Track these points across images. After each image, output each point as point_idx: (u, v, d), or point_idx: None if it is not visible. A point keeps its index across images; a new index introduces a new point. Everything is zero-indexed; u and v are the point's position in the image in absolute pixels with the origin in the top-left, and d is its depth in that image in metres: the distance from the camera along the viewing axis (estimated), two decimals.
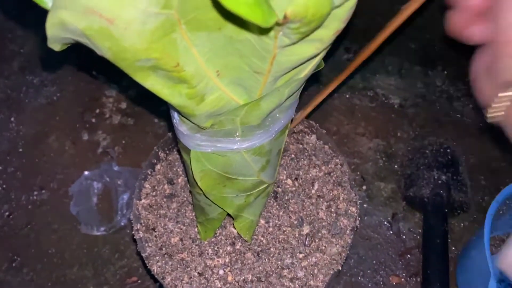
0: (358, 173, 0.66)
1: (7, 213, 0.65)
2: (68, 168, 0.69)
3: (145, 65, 0.21)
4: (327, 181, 0.47)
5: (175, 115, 0.30)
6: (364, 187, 0.65)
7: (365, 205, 0.63)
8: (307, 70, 0.26)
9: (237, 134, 0.29)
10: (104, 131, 0.72)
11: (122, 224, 0.63)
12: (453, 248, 0.60)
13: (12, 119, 0.75)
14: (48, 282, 0.60)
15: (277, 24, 0.17)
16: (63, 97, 0.77)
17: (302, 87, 0.30)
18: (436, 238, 0.57)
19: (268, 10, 0.16)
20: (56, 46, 0.21)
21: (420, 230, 0.61)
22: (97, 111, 0.75)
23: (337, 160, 0.48)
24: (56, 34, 0.19)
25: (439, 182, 0.60)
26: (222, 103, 0.26)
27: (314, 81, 0.76)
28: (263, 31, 0.20)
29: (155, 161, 0.48)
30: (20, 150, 0.71)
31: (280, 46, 0.21)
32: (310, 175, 0.47)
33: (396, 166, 0.67)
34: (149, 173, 0.48)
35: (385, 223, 0.62)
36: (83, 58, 0.80)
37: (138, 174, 0.66)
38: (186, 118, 0.28)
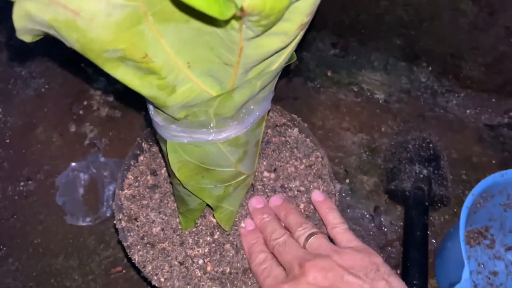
0: (342, 166, 0.67)
1: None
2: (55, 159, 0.70)
3: (113, 56, 0.22)
4: (307, 174, 0.48)
5: (150, 107, 0.31)
6: (347, 181, 0.66)
7: (347, 198, 0.64)
8: (277, 63, 0.27)
9: (212, 125, 0.29)
10: (92, 123, 0.73)
11: (108, 215, 0.64)
12: (433, 240, 0.61)
13: (0, 110, 0.75)
14: (34, 272, 0.60)
15: (236, 17, 0.18)
16: (51, 89, 0.77)
17: (276, 79, 0.30)
18: (417, 231, 0.58)
19: (224, 3, 0.16)
20: (26, 38, 0.21)
21: (401, 223, 0.62)
22: (85, 103, 0.75)
23: (318, 153, 0.49)
24: (24, 25, 0.19)
25: (421, 176, 0.61)
26: (194, 94, 0.26)
27: (300, 75, 0.77)
28: (225, 23, 0.20)
29: (138, 152, 0.49)
30: (7, 141, 0.72)
31: (246, 39, 0.22)
32: (291, 167, 0.48)
33: (379, 160, 0.68)
34: (132, 164, 0.48)
35: (367, 216, 0.63)
36: (71, 51, 0.80)
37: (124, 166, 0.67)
38: (159, 109, 0.28)
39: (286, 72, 0.75)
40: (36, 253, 0.62)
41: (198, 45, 0.23)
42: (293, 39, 0.24)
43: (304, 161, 0.48)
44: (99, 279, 0.60)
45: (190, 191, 0.37)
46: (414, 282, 0.55)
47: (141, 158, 0.49)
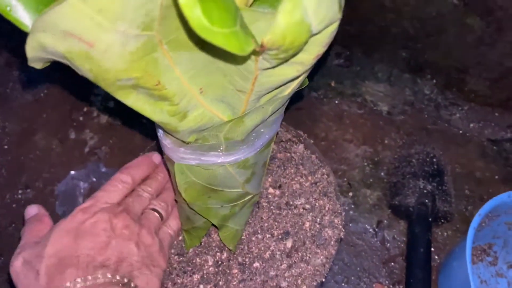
0: (345, 179, 0.67)
1: None
2: (55, 167, 0.69)
3: (126, 84, 0.21)
4: (313, 191, 0.47)
5: (159, 129, 0.30)
6: (350, 194, 0.65)
7: (351, 212, 0.64)
8: (290, 88, 0.26)
9: (221, 148, 0.29)
10: (92, 130, 0.72)
11: None
12: (436, 257, 0.61)
13: None
14: None
15: (255, 52, 0.17)
16: (51, 95, 0.76)
17: (287, 103, 0.30)
18: (420, 247, 0.58)
19: (245, 38, 0.16)
20: (37, 65, 0.20)
21: (404, 238, 0.62)
22: (85, 109, 0.74)
23: (324, 170, 0.48)
24: (37, 55, 0.18)
25: (425, 191, 0.60)
26: (205, 119, 0.26)
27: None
28: (243, 58, 0.20)
29: None
30: (6, 147, 0.71)
31: (261, 69, 0.21)
32: (296, 184, 0.47)
33: (382, 174, 0.67)
34: None
35: (370, 230, 0.63)
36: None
37: None
38: (168, 133, 0.28)
39: None
40: None
41: (211, 72, 0.23)
42: (309, 68, 0.23)
43: (309, 178, 0.47)
44: None
45: (195, 211, 0.36)
46: None
47: None
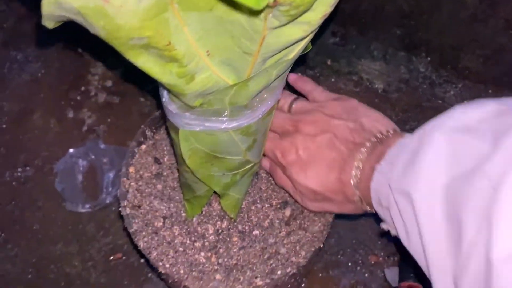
0: None
1: None
2: (53, 145, 0.69)
3: (137, 44, 0.22)
4: None
5: (165, 94, 0.31)
6: None
7: None
8: (295, 52, 0.27)
9: (226, 113, 0.30)
10: (90, 109, 0.72)
11: (108, 201, 0.64)
12: None
13: None
14: (33, 258, 0.60)
15: (268, 6, 0.18)
16: (48, 74, 0.76)
17: (290, 68, 0.31)
18: None
19: None
20: (50, 24, 0.21)
21: None
22: (82, 89, 0.74)
23: None
24: (52, 12, 0.19)
25: None
26: (211, 82, 0.27)
27: (300, 63, 0.77)
28: (254, 13, 0.20)
29: (142, 139, 0.49)
30: (4, 126, 0.71)
31: (270, 28, 0.22)
32: None
33: None
34: (136, 151, 0.48)
35: None
36: (68, 35, 0.79)
37: (124, 153, 0.67)
38: (175, 97, 0.28)
39: None
40: (35, 239, 0.62)
41: (219, 33, 0.23)
42: (315, 29, 0.24)
43: None
44: (98, 265, 0.60)
45: (198, 179, 0.37)
46: (412, 269, 0.56)
47: (144, 146, 0.49)
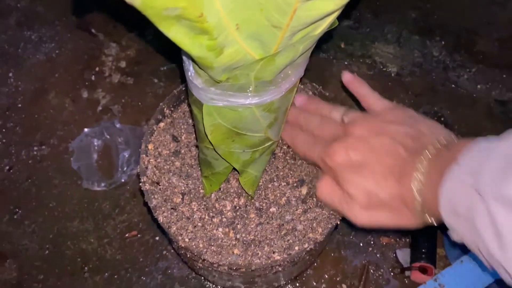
0: None
1: (7, 167, 0.66)
2: (68, 125, 0.70)
3: (170, 14, 0.22)
4: None
5: (191, 68, 0.31)
6: None
7: None
8: (322, 27, 0.27)
9: (250, 89, 0.30)
10: (104, 90, 0.73)
11: (123, 180, 0.64)
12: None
13: (11, 74, 0.75)
14: (50, 234, 0.61)
15: None
16: (62, 54, 0.77)
17: (315, 45, 0.31)
18: None
19: None
20: None
21: None
22: (97, 69, 0.75)
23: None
24: None
25: None
26: (239, 56, 0.27)
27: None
28: None
29: (161, 117, 0.49)
30: (19, 105, 0.72)
31: (302, 0, 0.22)
32: None
33: None
34: (155, 129, 0.49)
35: None
36: (81, 15, 0.79)
37: (138, 133, 0.67)
38: (203, 70, 0.29)
39: None
40: (52, 216, 0.63)
41: (250, 7, 0.24)
42: (346, 2, 0.24)
43: None
44: (114, 243, 0.61)
45: (219, 154, 0.38)
46: (423, 250, 0.56)
47: (162, 124, 0.49)
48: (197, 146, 0.48)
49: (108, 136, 0.67)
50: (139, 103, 0.71)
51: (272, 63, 0.28)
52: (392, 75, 0.74)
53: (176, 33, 0.24)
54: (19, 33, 0.79)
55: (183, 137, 0.49)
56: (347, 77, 0.47)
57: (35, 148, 0.68)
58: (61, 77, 0.74)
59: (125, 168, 0.65)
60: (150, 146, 0.47)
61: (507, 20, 0.65)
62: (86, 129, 0.68)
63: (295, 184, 0.46)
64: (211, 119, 0.33)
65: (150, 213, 0.45)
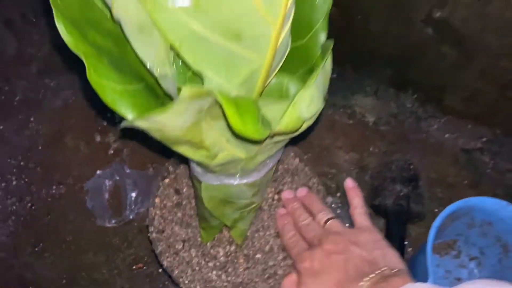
0: (334, 181, 0.78)
1: (29, 204, 0.75)
2: (83, 166, 0.79)
3: (180, 141, 0.31)
4: None
5: (192, 163, 0.40)
6: (338, 194, 0.76)
7: (338, 211, 0.75)
8: (292, 136, 0.36)
9: (238, 175, 0.39)
10: (115, 134, 0.82)
11: (131, 217, 0.74)
12: (410, 249, 0.72)
13: (32, 119, 0.84)
14: (67, 265, 0.70)
15: (269, 136, 0.28)
16: (78, 101, 0.86)
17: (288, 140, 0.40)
18: (395, 241, 0.69)
19: (263, 130, 0.26)
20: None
21: (383, 234, 0.73)
22: (108, 115, 0.84)
23: (314, 180, 0.59)
24: (126, 125, 0.28)
25: (401, 194, 0.71)
26: (228, 157, 0.36)
27: None
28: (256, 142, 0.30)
29: (166, 174, 0.59)
30: (40, 147, 0.81)
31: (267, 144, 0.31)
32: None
33: (367, 177, 0.78)
34: (161, 185, 0.58)
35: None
36: None
37: (145, 175, 0.77)
38: (201, 166, 0.38)
39: None
40: (68, 249, 0.72)
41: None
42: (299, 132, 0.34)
43: (303, 186, 0.58)
44: (123, 274, 0.70)
45: (213, 215, 0.47)
46: None
47: (167, 180, 0.59)
48: (196, 198, 0.57)
49: (118, 178, 0.77)
50: (146, 148, 0.81)
51: (253, 160, 0.37)
52: (370, 124, 0.83)
53: (183, 150, 0.33)
54: (39, 81, 0.88)
55: (184, 190, 0.58)
56: (349, 184, 0.59)
57: (54, 187, 0.77)
58: (77, 121, 0.84)
59: (132, 207, 0.74)
60: (157, 200, 0.57)
61: (468, 82, 0.75)
62: (98, 171, 0.78)
63: (277, 234, 0.55)
64: (208, 192, 0.42)
65: (151, 252, 0.54)
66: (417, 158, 0.78)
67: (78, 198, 0.76)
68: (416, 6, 0.67)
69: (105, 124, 0.83)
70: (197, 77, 0.29)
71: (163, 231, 0.55)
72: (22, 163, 0.79)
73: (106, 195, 0.76)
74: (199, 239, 0.55)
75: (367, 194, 0.76)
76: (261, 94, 0.32)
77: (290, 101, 0.30)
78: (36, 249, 0.72)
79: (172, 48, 0.27)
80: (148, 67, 0.28)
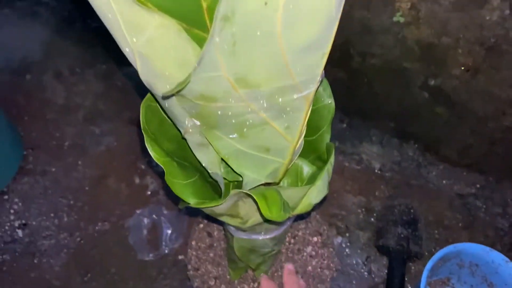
0: (344, 222, 0.88)
1: (78, 239, 0.88)
2: (124, 205, 0.91)
3: (223, 214, 0.43)
4: (317, 241, 0.68)
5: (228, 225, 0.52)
6: (347, 234, 0.87)
7: (347, 250, 0.85)
8: None
9: (262, 233, 0.50)
10: (152, 177, 0.94)
11: (166, 252, 0.85)
12: (409, 286, 0.82)
13: (79, 162, 0.97)
14: None
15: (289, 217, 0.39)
16: (119, 146, 0.98)
17: None
18: (396, 278, 0.79)
19: (285, 215, 0.37)
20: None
21: (386, 271, 0.83)
22: (146, 159, 0.96)
23: (325, 227, 0.70)
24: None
25: (402, 236, 0.82)
26: (256, 221, 0.47)
27: None
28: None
29: (200, 219, 0.70)
30: (87, 188, 0.93)
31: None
32: (307, 236, 0.69)
33: (372, 219, 0.88)
34: (196, 229, 0.70)
35: (361, 263, 0.84)
36: (134, 114, 1.02)
37: (177, 215, 0.88)
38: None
39: None
40: (112, 280, 0.83)
41: None
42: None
43: (315, 233, 0.69)
44: None
45: (241, 259, 0.58)
46: None
47: (201, 225, 0.70)
48: (227, 245, 0.68)
49: (155, 217, 0.88)
50: None
51: (275, 223, 0.48)
52: (376, 170, 0.94)
53: (223, 218, 0.44)
54: (85, 128, 1.01)
55: (215, 233, 0.70)
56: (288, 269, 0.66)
57: (99, 223, 0.89)
58: (118, 165, 0.96)
59: (168, 243, 0.86)
60: (193, 242, 0.68)
61: (461, 138, 0.85)
62: (138, 210, 0.90)
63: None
64: (238, 243, 0.54)
65: (188, 280, 0.65)
66: (417, 202, 0.89)
67: (120, 234, 0.88)
68: (413, 75, 0.79)
69: (143, 167, 0.95)
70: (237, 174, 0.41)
71: (198, 269, 0.66)
72: (72, 202, 0.92)
73: (145, 232, 0.87)
74: (228, 276, 0.66)
75: (372, 235, 0.86)
76: (283, 177, 0.43)
77: (303, 184, 0.42)
78: (85, 278, 0.83)
79: (221, 158, 0.38)
80: (203, 166, 0.40)
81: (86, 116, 1.03)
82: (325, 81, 0.42)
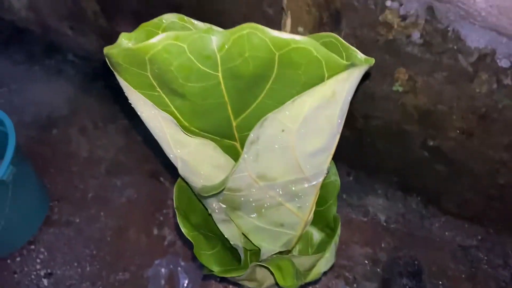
0: (351, 273, 0.93)
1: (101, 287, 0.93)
2: (143, 255, 0.96)
3: (241, 279, 0.48)
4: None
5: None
6: (354, 285, 0.91)
7: None
8: None
9: None
10: (170, 228, 1.00)
11: None
12: None
13: (102, 213, 1.03)
14: None
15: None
16: (139, 198, 1.05)
17: None
18: None
19: (297, 283, 0.43)
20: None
21: None
22: (164, 211, 1.02)
23: (333, 281, 0.75)
24: None
25: (407, 287, 0.86)
26: (270, 284, 0.53)
27: None
28: None
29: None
30: (108, 239, 0.99)
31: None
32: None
33: (378, 270, 0.93)
34: (213, 282, 0.75)
35: None
36: (153, 167, 1.09)
37: (194, 266, 0.94)
38: None
39: None
40: None
41: None
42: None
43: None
44: None
45: None
46: None
47: (218, 278, 0.75)
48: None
49: (172, 267, 0.94)
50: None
51: None
52: (381, 222, 0.99)
53: (241, 281, 0.50)
54: (107, 180, 1.08)
55: (230, 287, 0.75)
56: None
57: (120, 273, 0.95)
58: (138, 216, 1.02)
59: None
60: None
61: (461, 191, 0.90)
62: (156, 261, 0.95)
63: None
64: None
65: None
66: (421, 253, 0.93)
67: (139, 284, 0.93)
68: (413, 136, 0.85)
69: (161, 218, 1.01)
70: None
71: None
72: (94, 251, 0.97)
73: (163, 282, 0.93)
74: None
75: (378, 286, 0.91)
76: (295, 245, 0.49)
77: (313, 249, 0.47)
78: None
79: (242, 232, 0.44)
80: (226, 237, 0.46)
81: (108, 168, 1.10)
82: (331, 162, 0.49)
